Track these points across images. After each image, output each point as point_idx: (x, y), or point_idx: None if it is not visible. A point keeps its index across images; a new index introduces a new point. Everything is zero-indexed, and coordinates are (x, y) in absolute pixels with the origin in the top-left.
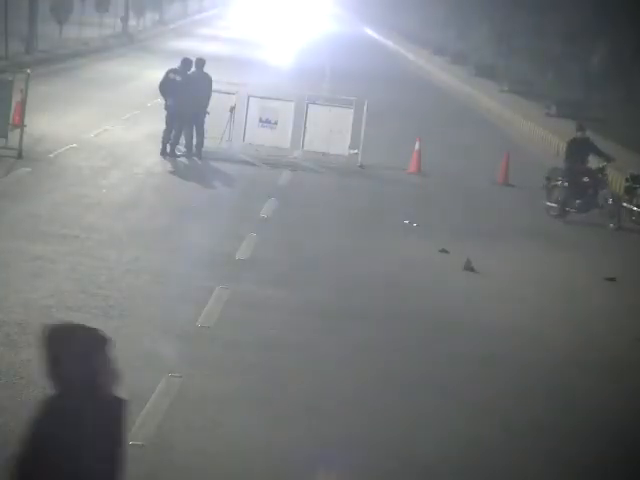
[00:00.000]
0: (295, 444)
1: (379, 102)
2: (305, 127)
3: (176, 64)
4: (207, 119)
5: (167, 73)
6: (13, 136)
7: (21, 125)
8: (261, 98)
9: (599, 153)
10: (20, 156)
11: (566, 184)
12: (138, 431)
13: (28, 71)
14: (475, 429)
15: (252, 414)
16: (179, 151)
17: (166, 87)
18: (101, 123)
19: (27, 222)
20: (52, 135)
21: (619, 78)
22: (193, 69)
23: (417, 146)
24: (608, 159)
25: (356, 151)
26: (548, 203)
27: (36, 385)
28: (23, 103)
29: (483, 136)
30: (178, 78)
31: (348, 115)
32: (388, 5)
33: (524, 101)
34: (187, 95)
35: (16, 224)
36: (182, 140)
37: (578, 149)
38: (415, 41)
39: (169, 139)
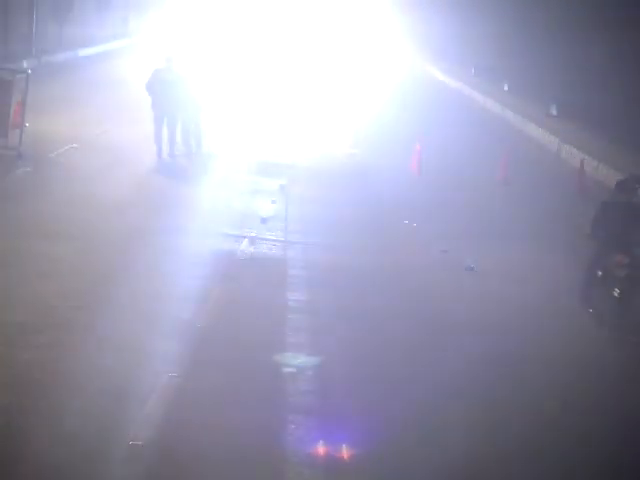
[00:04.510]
0: (295, 445)
1: None
2: (305, 127)
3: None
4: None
5: (154, 72)
6: (13, 136)
7: (21, 125)
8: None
9: None
10: (20, 156)
11: None
12: (138, 431)
13: (28, 71)
14: (475, 428)
15: (252, 414)
16: (178, 151)
17: (153, 86)
18: (101, 123)
19: (28, 222)
20: (52, 135)
21: (620, 78)
22: (182, 68)
23: (417, 146)
24: None
25: (356, 151)
26: None
27: (36, 385)
28: (23, 103)
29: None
30: (165, 77)
31: (346, 115)
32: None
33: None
34: (175, 94)
35: (17, 224)
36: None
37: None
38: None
39: (161, 139)
